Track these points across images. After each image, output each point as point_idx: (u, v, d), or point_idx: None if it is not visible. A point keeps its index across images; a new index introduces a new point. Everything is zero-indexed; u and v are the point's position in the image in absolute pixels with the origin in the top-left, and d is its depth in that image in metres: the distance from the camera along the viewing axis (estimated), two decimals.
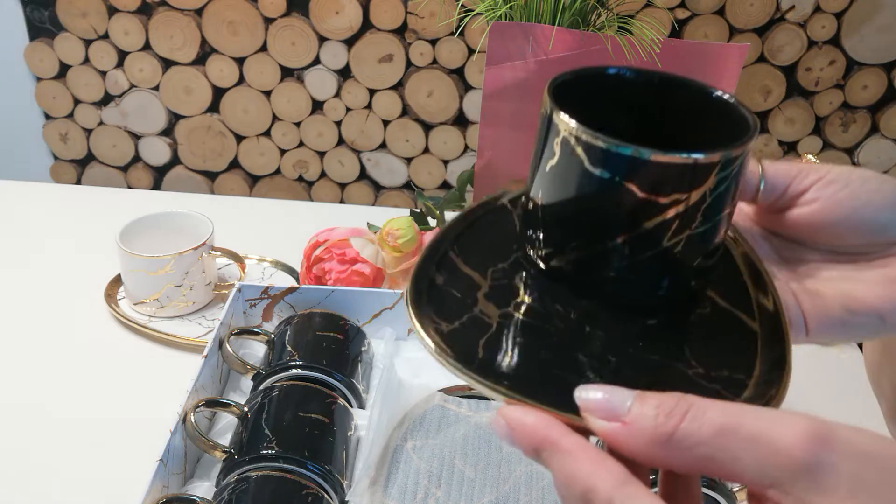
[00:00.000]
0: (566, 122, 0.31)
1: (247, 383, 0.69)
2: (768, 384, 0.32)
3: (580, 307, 0.35)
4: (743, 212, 0.42)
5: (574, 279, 0.35)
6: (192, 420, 0.59)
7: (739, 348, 0.34)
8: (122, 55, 1.44)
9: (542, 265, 0.35)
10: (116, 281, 0.85)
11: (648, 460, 0.27)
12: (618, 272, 0.33)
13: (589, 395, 0.28)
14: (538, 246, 0.35)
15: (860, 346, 0.54)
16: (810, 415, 0.25)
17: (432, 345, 0.33)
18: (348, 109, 1.47)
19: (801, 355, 0.38)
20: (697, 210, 0.31)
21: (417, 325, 0.34)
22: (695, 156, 0.30)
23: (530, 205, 0.35)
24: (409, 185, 1.55)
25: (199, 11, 1.39)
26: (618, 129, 0.32)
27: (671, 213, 0.31)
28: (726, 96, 0.36)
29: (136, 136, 1.52)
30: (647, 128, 0.36)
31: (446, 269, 0.37)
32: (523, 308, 0.35)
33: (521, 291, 0.36)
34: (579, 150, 0.31)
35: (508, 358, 0.33)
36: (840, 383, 0.76)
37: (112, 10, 1.40)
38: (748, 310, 0.36)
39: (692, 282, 0.35)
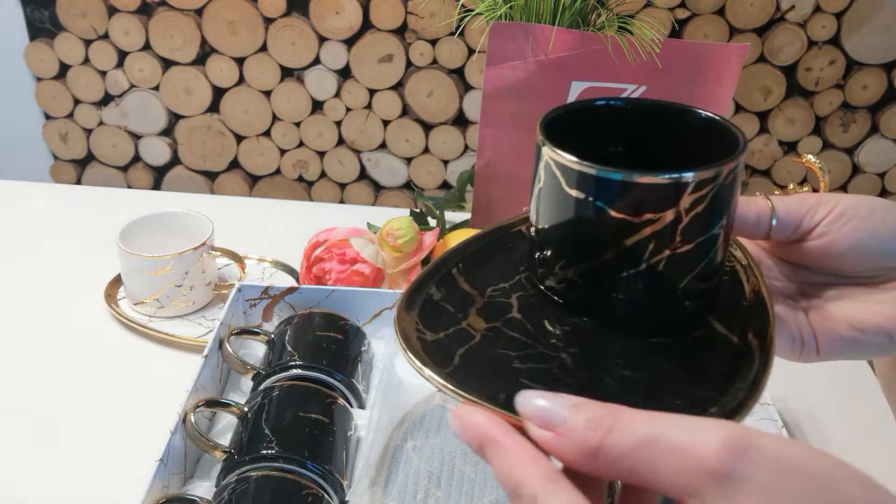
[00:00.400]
0: (547, 149, 0.33)
1: (247, 383, 0.69)
2: (736, 404, 0.32)
3: (568, 324, 0.35)
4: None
5: (565, 298, 0.36)
6: (192, 420, 0.59)
7: (721, 370, 0.34)
8: (122, 55, 1.44)
9: (539, 285, 0.37)
10: (116, 281, 0.85)
11: (580, 469, 0.28)
12: (603, 291, 0.34)
13: (528, 401, 0.29)
14: (535, 266, 0.37)
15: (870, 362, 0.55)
16: (734, 424, 0.26)
17: (407, 350, 0.34)
18: (348, 109, 1.47)
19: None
20: (675, 230, 0.32)
21: (398, 332, 0.35)
22: (663, 176, 0.31)
23: (531, 228, 0.36)
24: (409, 185, 1.55)
25: (199, 11, 1.39)
26: (612, 156, 0.35)
27: (647, 231, 0.32)
28: (717, 117, 0.37)
29: (136, 136, 1.52)
30: (644, 154, 0.37)
31: (445, 286, 0.38)
32: (511, 323, 0.36)
33: (514, 309, 0.37)
34: (558, 173, 0.33)
35: (480, 366, 0.33)
36: (853, 386, 0.76)
37: (112, 10, 1.40)
38: (742, 335, 0.36)
39: (685, 302, 0.35)
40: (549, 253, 0.35)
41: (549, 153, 0.33)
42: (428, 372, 0.32)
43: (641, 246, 0.32)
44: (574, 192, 0.32)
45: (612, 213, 0.32)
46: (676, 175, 0.31)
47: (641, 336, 0.35)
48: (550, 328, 0.35)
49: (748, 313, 0.37)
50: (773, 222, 0.40)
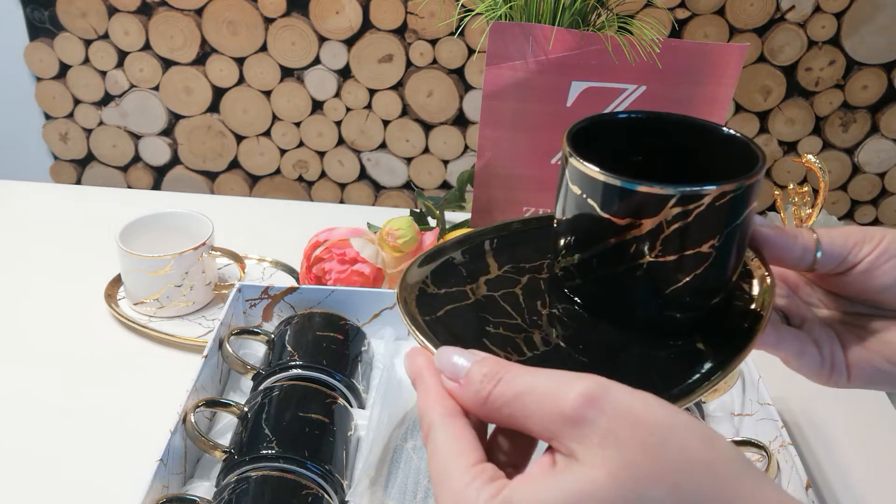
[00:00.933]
0: (565, 147, 0.36)
1: (247, 383, 0.69)
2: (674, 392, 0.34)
3: (558, 308, 0.38)
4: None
5: (564, 284, 0.38)
6: (192, 420, 0.59)
7: (677, 366, 0.36)
8: (122, 55, 1.44)
9: (552, 271, 0.39)
10: (116, 281, 0.85)
11: (476, 415, 0.32)
12: (591, 283, 0.37)
13: (443, 355, 0.33)
14: (552, 253, 0.39)
15: None
16: (597, 378, 0.29)
17: (400, 294, 0.37)
18: (348, 109, 1.47)
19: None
20: (655, 239, 0.34)
21: (403, 277, 0.39)
22: (642, 186, 0.33)
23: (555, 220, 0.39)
24: (409, 185, 1.55)
25: (199, 11, 1.39)
26: (631, 165, 0.36)
27: (629, 235, 0.34)
28: (737, 134, 0.38)
29: (136, 136, 1.52)
30: (663, 166, 0.39)
31: (470, 254, 0.41)
32: (508, 297, 0.38)
33: (519, 285, 0.39)
34: (567, 171, 0.36)
35: (455, 322, 0.37)
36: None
37: (112, 10, 1.40)
38: (718, 355, 0.36)
39: (666, 311, 0.36)
40: (559, 242, 0.38)
41: (566, 151, 0.36)
42: (402, 309, 0.36)
43: (623, 248, 0.34)
44: (575, 189, 0.35)
45: (600, 213, 0.34)
46: (658, 187, 0.33)
47: (619, 333, 0.37)
48: (541, 308, 0.38)
49: (735, 334, 0.37)
50: (818, 255, 0.40)
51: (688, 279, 0.35)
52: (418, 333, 0.35)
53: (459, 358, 0.32)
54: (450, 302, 0.38)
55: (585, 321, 0.37)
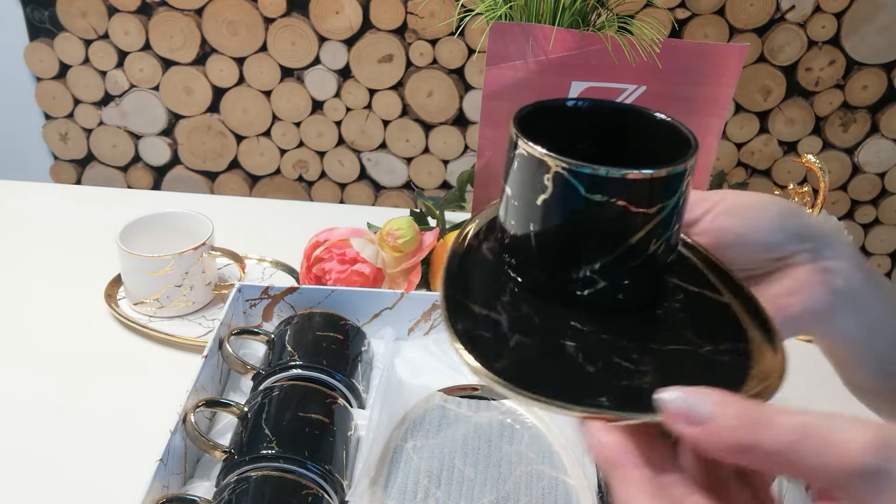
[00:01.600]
0: (511, 129, 0.37)
1: (247, 383, 0.69)
2: (769, 348, 0.37)
3: (562, 315, 0.38)
4: None
5: (558, 286, 0.38)
6: (192, 420, 0.59)
7: (724, 320, 0.39)
8: (122, 55, 1.44)
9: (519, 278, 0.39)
10: (116, 281, 0.85)
11: (724, 460, 0.30)
12: (605, 278, 0.37)
13: (669, 398, 0.31)
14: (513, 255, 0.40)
15: None
16: (874, 421, 0.28)
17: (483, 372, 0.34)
18: (348, 109, 1.47)
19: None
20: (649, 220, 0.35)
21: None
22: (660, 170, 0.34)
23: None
24: (409, 185, 1.55)
25: (199, 11, 1.39)
26: (584, 150, 0.37)
27: (642, 221, 0.35)
28: (668, 118, 0.40)
29: (136, 136, 1.52)
30: (611, 153, 0.40)
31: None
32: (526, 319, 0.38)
33: (508, 304, 0.39)
34: (515, 155, 0.37)
35: (549, 367, 0.35)
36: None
37: (112, 10, 1.40)
38: (714, 289, 0.41)
39: (623, 280, 0.37)
40: (541, 249, 0.39)
41: (513, 131, 0.37)
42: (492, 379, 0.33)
43: (645, 237, 0.36)
44: (517, 159, 0.37)
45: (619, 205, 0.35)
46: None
47: (639, 327, 0.38)
48: (557, 322, 0.38)
49: (704, 275, 0.41)
50: None
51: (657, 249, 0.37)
52: (568, 406, 0.32)
53: (687, 397, 0.30)
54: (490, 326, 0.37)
55: (589, 317, 0.37)
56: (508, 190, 0.38)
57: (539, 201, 0.36)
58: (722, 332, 0.38)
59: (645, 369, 0.35)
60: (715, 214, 0.44)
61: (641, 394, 0.32)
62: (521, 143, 0.36)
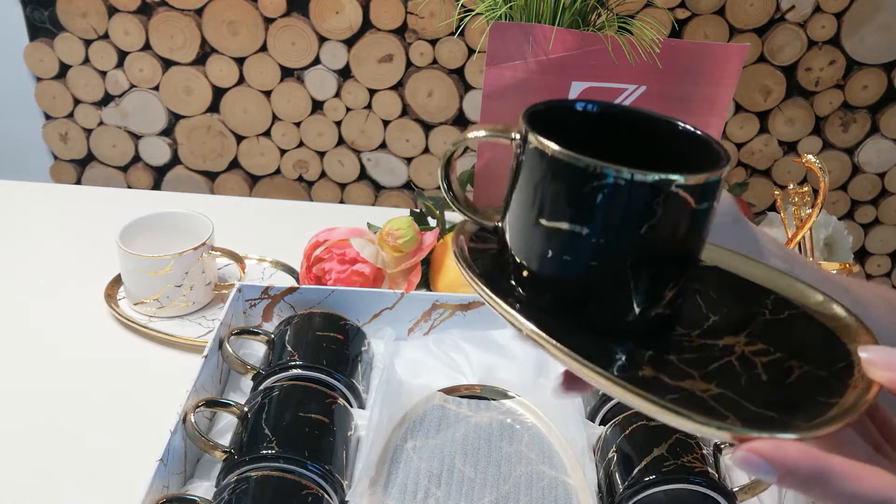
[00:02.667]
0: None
1: (247, 383, 0.69)
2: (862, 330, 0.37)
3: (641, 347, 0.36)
4: None
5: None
6: (192, 420, 0.59)
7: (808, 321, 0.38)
8: (122, 55, 1.44)
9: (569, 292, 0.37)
10: (116, 281, 0.85)
11: None
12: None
13: (873, 353, 0.34)
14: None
15: None
16: None
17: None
18: (348, 109, 1.47)
19: None
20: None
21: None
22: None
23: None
24: (409, 185, 1.54)
25: (199, 11, 1.39)
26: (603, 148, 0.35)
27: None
28: (699, 132, 0.37)
29: (136, 136, 1.52)
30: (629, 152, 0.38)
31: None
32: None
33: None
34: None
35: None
36: None
37: (112, 10, 1.40)
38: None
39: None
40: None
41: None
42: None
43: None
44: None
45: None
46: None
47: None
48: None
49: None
50: None
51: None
52: (736, 427, 0.30)
53: (887, 353, 0.33)
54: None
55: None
56: (576, 229, 0.33)
57: (643, 229, 0.32)
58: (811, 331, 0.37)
59: (766, 378, 0.34)
60: None
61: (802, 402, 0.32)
62: (624, 172, 0.32)
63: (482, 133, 0.38)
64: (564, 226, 0.33)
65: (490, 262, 0.38)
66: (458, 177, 0.93)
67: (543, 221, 0.34)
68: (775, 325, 0.38)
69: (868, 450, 0.33)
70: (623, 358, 0.34)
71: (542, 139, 0.34)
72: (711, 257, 0.41)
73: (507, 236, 0.37)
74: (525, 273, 0.36)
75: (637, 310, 0.35)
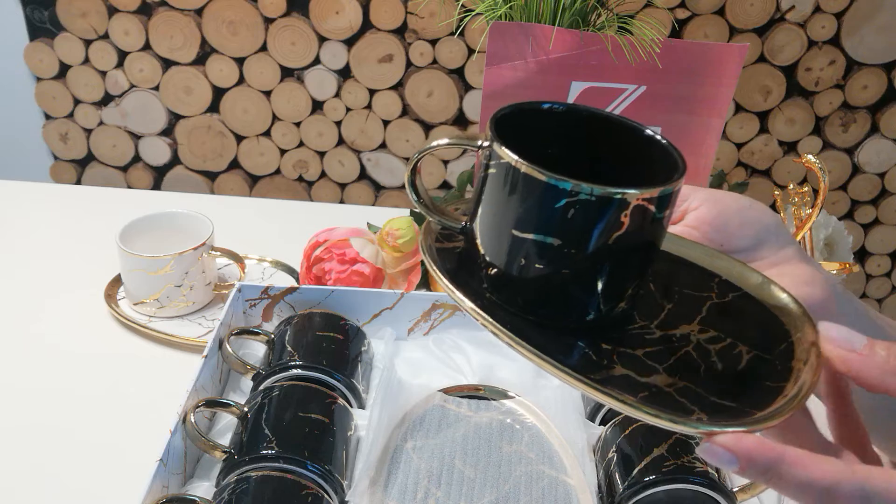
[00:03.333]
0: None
1: (247, 383, 0.69)
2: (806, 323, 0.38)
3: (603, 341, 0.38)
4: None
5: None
6: (192, 420, 0.59)
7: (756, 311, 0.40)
8: (122, 55, 1.44)
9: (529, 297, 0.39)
10: (116, 281, 0.85)
11: (876, 385, 0.34)
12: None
13: (831, 330, 0.35)
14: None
15: None
16: None
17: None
18: (348, 109, 1.47)
19: None
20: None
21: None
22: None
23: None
24: None
25: (199, 11, 1.39)
26: (552, 158, 0.37)
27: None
28: (659, 137, 0.39)
29: (136, 136, 1.52)
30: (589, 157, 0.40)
31: None
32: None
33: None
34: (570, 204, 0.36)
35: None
36: None
37: (112, 10, 1.40)
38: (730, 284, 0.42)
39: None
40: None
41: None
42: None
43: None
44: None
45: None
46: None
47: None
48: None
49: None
50: None
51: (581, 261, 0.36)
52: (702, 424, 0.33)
53: (844, 332, 0.35)
54: None
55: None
56: (538, 238, 0.35)
57: (612, 239, 0.35)
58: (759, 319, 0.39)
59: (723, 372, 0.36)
60: (705, 195, 0.45)
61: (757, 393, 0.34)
62: (585, 187, 0.33)
63: (446, 141, 0.40)
64: (528, 236, 0.35)
65: (458, 262, 0.40)
66: (458, 177, 0.94)
67: (508, 230, 0.36)
68: (722, 310, 0.40)
69: (821, 439, 0.36)
70: (594, 357, 0.36)
71: (507, 151, 0.35)
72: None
73: (478, 241, 0.38)
74: (495, 276, 0.38)
75: (604, 308, 0.37)
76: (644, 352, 0.37)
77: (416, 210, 0.91)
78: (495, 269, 0.38)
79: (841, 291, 0.45)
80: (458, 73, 1.42)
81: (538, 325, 0.37)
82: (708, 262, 0.43)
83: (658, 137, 0.38)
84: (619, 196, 0.33)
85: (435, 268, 0.38)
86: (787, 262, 0.44)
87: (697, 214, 0.45)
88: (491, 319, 0.35)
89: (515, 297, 0.37)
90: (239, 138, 1.51)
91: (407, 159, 1.51)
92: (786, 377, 0.35)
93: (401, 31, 1.39)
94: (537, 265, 0.36)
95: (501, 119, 0.37)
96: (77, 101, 1.49)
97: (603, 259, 0.35)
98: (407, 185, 0.42)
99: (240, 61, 1.43)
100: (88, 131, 1.52)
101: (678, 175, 0.35)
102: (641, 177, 0.37)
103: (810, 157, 0.79)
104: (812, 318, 0.38)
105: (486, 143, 0.36)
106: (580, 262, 0.35)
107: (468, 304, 0.36)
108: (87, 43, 1.43)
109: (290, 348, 0.67)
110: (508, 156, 0.35)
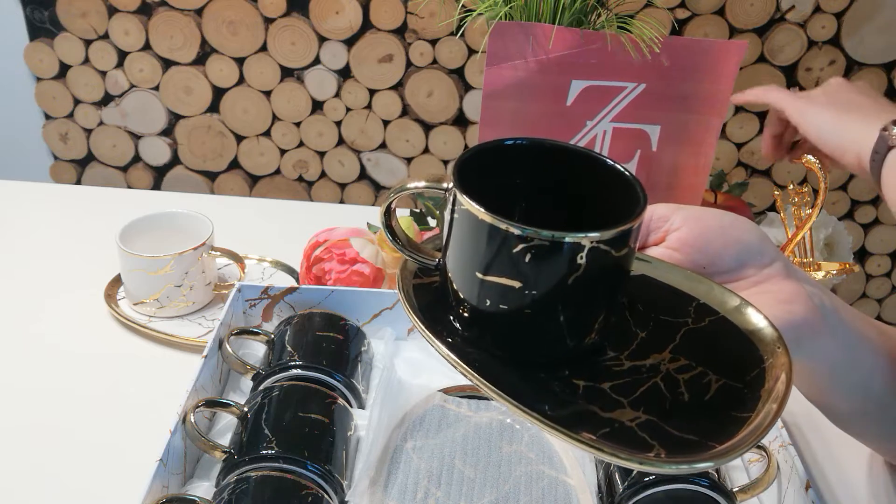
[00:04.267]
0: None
1: (247, 383, 0.69)
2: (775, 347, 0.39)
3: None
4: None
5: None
6: (192, 420, 0.59)
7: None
8: (122, 55, 1.44)
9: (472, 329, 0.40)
10: (116, 281, 0.85)
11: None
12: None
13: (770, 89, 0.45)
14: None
15: None
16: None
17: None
18: (348, 109, 1.47)
19: None
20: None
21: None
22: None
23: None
24: None
25: (199, 11, 1.39)
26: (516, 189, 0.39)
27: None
28: (622, 168, 0.40)
29: (136, 136, 1.52)
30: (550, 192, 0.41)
31: None
32: None
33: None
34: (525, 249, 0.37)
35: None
36: None
37: (112, 10, 1.40)
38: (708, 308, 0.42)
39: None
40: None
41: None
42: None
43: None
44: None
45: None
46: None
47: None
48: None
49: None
50: None
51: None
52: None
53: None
54: None
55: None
56: (507, 283, 0.36)
57: (571, 280, 0.35)
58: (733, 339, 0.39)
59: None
60: (685, 215, 0.45)
61: None
62: (542, 233, 0.34)
63: (422, 184, 0.41)
64: (490, 279, 0.36)
65: (433, 297, 0.41)
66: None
67: (473, 272, 0.37)
68: (697, 336, 0.40)
69: None
70: (560, 394, 0.36)
71: (466, 198, 0.36)
72: (636, 266, 0.43)
73: (448, 280, 0.40)
74: (464, 313, 0.39)
75: (571, 344, 0.38)
76: (611, 385, 0.37)
77: (416, 210, 0.91)
78: (465, 307, 0.39)
79: (828, 304, 0.44)
80: (458, 73, 1.42)
81: (508, 361, 0.38)
82: (688, 286, 0.43)
83: (621, 169, 0.39)
84: (572, 241, 0.34)
85: (409, 308, 0.40)
86: (770, 279, 0.44)
87: (679, 236, 0.45)
88: (458, 359, 0.36)
89: (485, 335, 0.38)
90: (239, 138, 1.51)
91: (407, 159, 1.51)
92: (752, 406, 0.35)
93: (401, 31, 1.39)
94: (502, 305, 0.37)
95: (467, 161, 0.39)
96: (77, 101, 1.49)
97: (566, 298, 0.36)
98: (382, 227, 0.43)
99: (240, 61, 1.43)
100: (88, 131, 1.52)
101: (638, 210, 0.36)
102: (607, 208, 0.37)
103: (810, 157, 0.79)
104: (785, 342, 0.38)
105: (450, 186, 0.37)
106: (543, 302, 0.36)
107: (438, 344, 0.37)
108: (87, 43, 1.43)
109: (290, 348, 0.67)
110: (468, 202, 0.36)
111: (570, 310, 0.37)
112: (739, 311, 0.41)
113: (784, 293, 0.43)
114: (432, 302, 0.41)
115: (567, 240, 0.34)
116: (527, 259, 0.35)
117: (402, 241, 0.43)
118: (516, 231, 0.34)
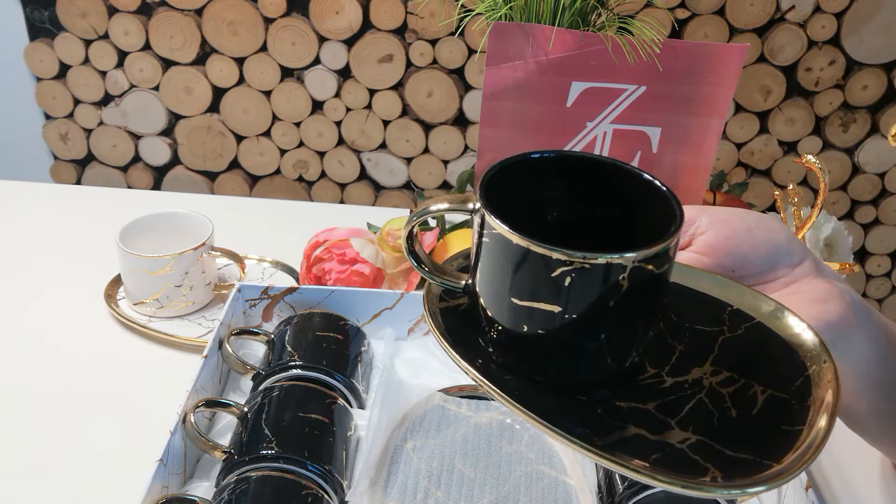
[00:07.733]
0: (477, 197, 0.36)
1: (247, 383, 0.69)
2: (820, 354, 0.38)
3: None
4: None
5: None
6: (192, 420, 0.59)
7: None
8: (122, 55, 1.44)
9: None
10: (116, 281, 0.85)
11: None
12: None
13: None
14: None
15: None
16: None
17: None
18: (348, 109, 1.47)
19: None
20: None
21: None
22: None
23: None
24: (409, 185, 1.54)
25: (199, 11, 1.39)
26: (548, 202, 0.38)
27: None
28: (659, 183, 0.38)
29: (136, 136, 1.52)
30: (582, 203, 0.40)
31: None
32: None
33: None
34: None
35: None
36: None
37: (112, 10, 1.40)
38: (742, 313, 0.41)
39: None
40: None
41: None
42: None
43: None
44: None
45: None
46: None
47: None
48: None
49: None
50: None
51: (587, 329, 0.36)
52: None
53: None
54: None
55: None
56: (542, 307, 0.35)
57: (612, 302, 0.34)
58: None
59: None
60: (711, 219, 0.44)
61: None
62: (578, 255, 0.33)
63: (445, 206, 0.39)
64: (527, 304, 0.35)
65: (462, 320, 0.40)
66: (458, 177, 0.94)
67: (507, 298, 0.35)
68: (735, 345, 0.39)
69: None
70: (606, 418, 0.35)
71: (498, 221, 0.34)
72: None
73: (480, 300, 0.38)
74: (499, 339, 0.37)
75: (613, 365, 0.36)
76: (656, 405, 0.35)
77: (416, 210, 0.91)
78: (498, 332, 0.37)
79: (858, 301, 0.43)
80: (458, 73, 1.42)
81: (547, 387, 0.36)
82: (718, 291, 0.41)
83: (657, 183, 0.37)
84: (614, 262, 0.33)
85: (438, 333, 0.38)
86: (801, 279, 0.43)
87: (706, 240, 0.43)
88: (495, 387, 0.35)
89: (522, 360, 0.37)
90: (239, 138, 1.51)
91: (407, 159, 1.51)
92: (802, 419, 0.34)
93: (401, 31, 1.39)
94: (539, 330, 0.35)
95: (492, 178, 0.37)
96: (77, 101, 1.49)
97: (607, 321, 0.35)
98: (406, 253, 0.41)
99: (240, 61, 1.43)
100: (88, 131, 1.52)
101: (675, 227, 0.34)
102: (638, 221, 0.36)
103: (810, 157, 0.79)
104: (827, 348, 0.36)
105: (477, 207, 0.36)
106: (583, 326, 0.35)
107: (473, 373, 0.36)
108: (87, 43, 1.43)
109: (289, 348, 0.67)
110: (499, 226, 0.34)
111: (611, 331, 0.35)
112: (775, 315, 0.39)
113: (818, 292, 0.42)
114: (461, 325, 0.39)
115: (609, 261, 0.32)
116: (566, 283, 0.33)
117: (428, 266, 0.41)
118: (554, 255, 0.33)
